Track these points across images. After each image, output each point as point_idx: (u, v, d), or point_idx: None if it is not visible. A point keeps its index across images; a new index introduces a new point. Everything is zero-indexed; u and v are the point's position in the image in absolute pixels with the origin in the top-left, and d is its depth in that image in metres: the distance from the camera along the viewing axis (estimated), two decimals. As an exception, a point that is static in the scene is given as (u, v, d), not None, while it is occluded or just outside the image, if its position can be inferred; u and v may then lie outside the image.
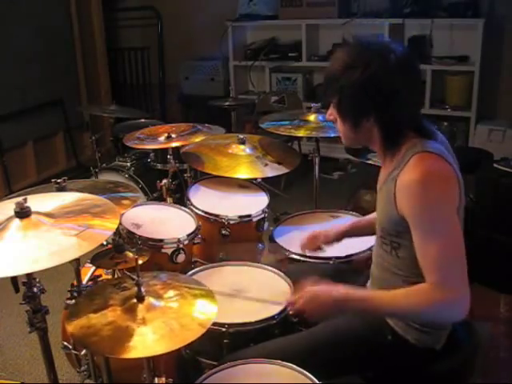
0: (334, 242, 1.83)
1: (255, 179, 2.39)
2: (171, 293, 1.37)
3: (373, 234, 1.63)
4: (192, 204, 2.21)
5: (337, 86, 1.39)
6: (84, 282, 1.79)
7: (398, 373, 1.48)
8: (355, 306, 1.39)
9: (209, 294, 1.40)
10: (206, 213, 2.16)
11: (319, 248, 1.84)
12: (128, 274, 1.50)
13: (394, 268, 1.46)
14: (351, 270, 1.88)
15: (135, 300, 1.32)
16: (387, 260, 1.47)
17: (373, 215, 1.76)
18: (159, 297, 1.35)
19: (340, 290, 1.40)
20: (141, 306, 1.30)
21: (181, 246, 1.98)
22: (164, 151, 2.65)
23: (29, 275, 1.33)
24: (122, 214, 2.02)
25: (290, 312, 1.55)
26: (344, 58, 1.38)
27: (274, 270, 1.86)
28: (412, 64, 1.40)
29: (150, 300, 1.32)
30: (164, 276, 1.49)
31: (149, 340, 1.21)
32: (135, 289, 1.33)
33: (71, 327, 1.28)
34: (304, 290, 1.46)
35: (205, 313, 1.32)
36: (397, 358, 1.47)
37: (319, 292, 1.42)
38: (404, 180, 1.32)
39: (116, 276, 1.79)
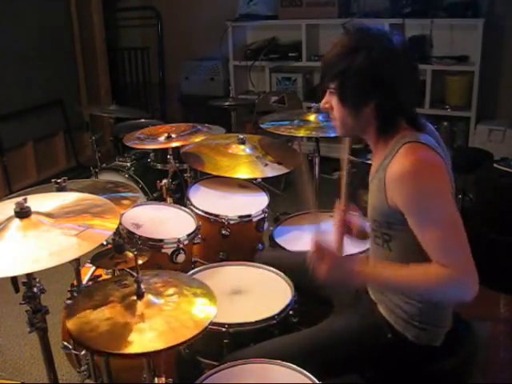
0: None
1: (255, 179, 2.39)
2: (171, 291, 1.38)
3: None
4: (192, 204, 2.21)
5: (338, 69, 1.37)
6: (84, 282, 1.79)
7: (397, 371, 1.48)
8: (366, 281, 1.42)
9: (209, 294, 1.40)
10: (206, 213, 2.16)
11: None
12: (128, 270, 1.50)
13: (387, 261, 1.46)
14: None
15: (135, 297, 1.32)
16: (380, 254, 1.48)
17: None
18: (159, 294, 1.35)
19: (356, 264, 1.39)
20: (140, 303, 1.31)
21: (181, 245, 1.98)
22: (164, 151, 2.65)
23: (29, 275, 1.33)
24: (122, 214, 2.02)
25: (309, 256, 1.43)
26: (346, 42, 1.38)
27: (274, 270, 1.86)
28: (410, 50, 1.40)
29: (149, 297, 1.33)
30: (165, 274, 1.49)
31: (146, 337, 1.22)
32: (135, 286, 1.33)
33: (70, 322, 1.29)
34: (327, 248, 1.43)
35: (204, 311, 1.32)
36: (396, 355, 1.47)
37: (343, 260, 1.41)
38: (394, 170, 1.32)
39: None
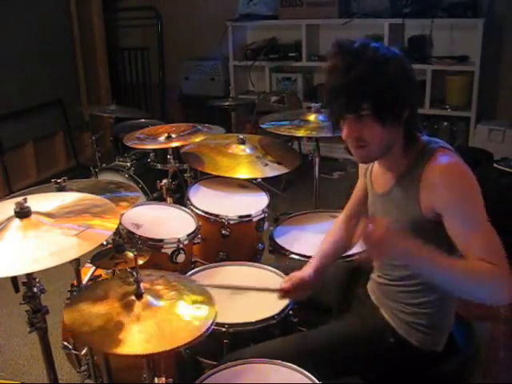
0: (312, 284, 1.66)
1: (255, 179, 2.39)
2: (171, 294, 1.37)
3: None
4: (192, 204, 2.21)
5: (375, 87, 1.27)
6: (84, 282, 1.79)
7: (399, 375, 1.48)
8: (426, 255, 1.25)
9: (209, 302, 1.37)
10: (206, 213, 2.16)
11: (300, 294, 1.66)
12: (129, 270, 1.50)
13: (406, 272, 1.43)
14: (351, 270, 1.88)
15: (133, 297, 1.32)
16: (398, 266, 1.45)
17: (329, 242, 1.72)
18: (158, 297, 1.34)
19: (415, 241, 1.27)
20: (138, 304, 1.30)
21: (181, 245, 1.98)
22: (164, 151, 2.65)
23: (29, 275, 1.33)
24: (122, 214, 2.02)
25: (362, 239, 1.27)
26: (366, 56, 1.28)
27: (274, 270, 1.86)
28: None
29: (147, 298, 1.32)
30: (171, 276, 1.48)
31: (136, 338, 1.21)
32: (135, 286, 1.33)
33: (67, 313, 1.29)
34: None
35: (199, 320, 1.29)
36: (399, 360, 1.46)
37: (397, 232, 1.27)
38: (435, 173, 1.30)
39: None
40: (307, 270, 1.66)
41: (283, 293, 1.63)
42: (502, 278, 1.23)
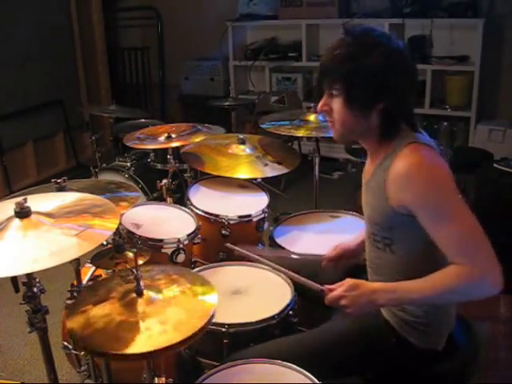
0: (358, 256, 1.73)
1: (255, 179, 2.39)
2: (173, 287, 1.36)
3: None
4: (192, 204, 2.22)
5: (348, 69, 1.31)
6: (84, 282, 1.79)
7: (400, 374, 1.47)
8: (388, 296, 1.34)
9: (211, 291, 1.36)
10: (206, 213, 2.16)
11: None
12: (128, 267, 1.49)
13: (390, 266, 1.44)
14: (351, 270, 1.88)
15: (134, 294, 1.31)
16: (382, 259, 1.46)
17: None
18: (159, 292, 1.33)
19: (374, 283, 1.39)
20: (140, 301, 1.30)
21: (181, 246, 1.98)
22: (164, 151, 2.65)
23: (29, 275, 1.33)
24: (122, 214, 2.02)
25: (327, 298, 1.40)
26: (355, 41, 1.32)
27: (274, 270, 1.86)
28: (410, 53, 1.40)
29: (149, 294, 1.31)
30: (171, 270, 1.47)
31: (143, 335, 1.20)
32: (135, 283, 1.32)
33: (70, 322, 1.27)
34: (344, 281, 1.39)
35: (204, 308, 1.29)
36: (400, 359, 1.46)
37: (359, 282, 1.37)
38: (399, 169, 1.30)
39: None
40: (353, 241, 1.73)
41: (328, 261, 1.72)
42: (474, 278, 1.23)
